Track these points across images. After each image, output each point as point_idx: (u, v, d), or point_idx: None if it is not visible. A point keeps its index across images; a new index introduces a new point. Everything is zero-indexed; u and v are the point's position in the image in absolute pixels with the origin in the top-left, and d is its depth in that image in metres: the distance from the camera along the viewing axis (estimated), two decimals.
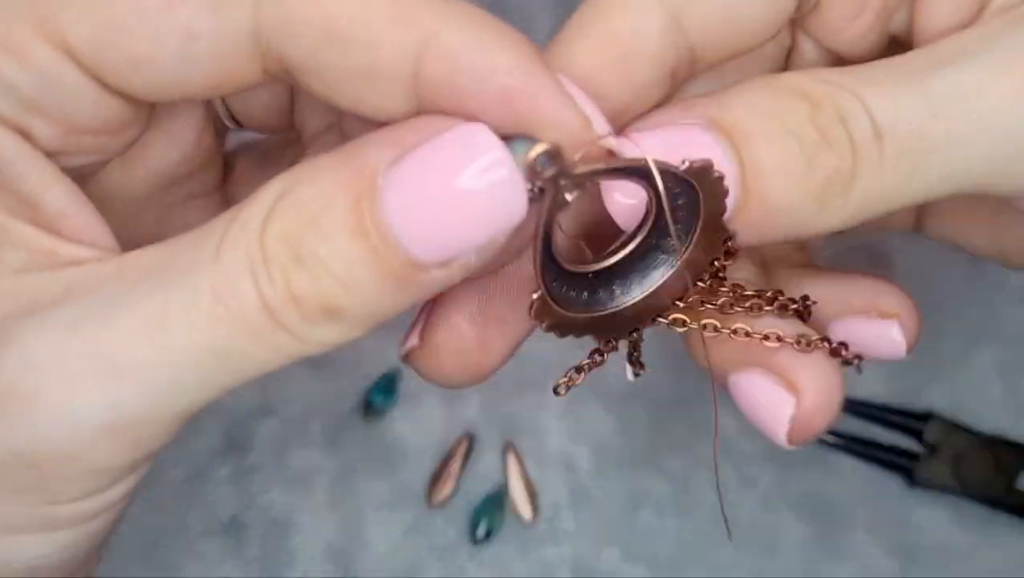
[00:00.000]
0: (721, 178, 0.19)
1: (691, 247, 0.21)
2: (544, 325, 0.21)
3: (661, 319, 0.22)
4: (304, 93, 0.21)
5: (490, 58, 0.18)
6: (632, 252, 0.20)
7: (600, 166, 0.19)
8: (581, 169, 0.18)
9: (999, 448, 0.37)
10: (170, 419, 0.18)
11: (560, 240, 0.20)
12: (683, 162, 0.19)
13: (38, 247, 0.19)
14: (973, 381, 0.38)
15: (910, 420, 0.38)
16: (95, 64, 0.19)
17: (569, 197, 0.18)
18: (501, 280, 0.22)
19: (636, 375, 0.24)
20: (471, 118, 0.18)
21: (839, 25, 0.24)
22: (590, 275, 0.21)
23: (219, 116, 0.25)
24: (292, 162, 0.24)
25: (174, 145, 0.24)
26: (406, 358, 0.23)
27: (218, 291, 0.17)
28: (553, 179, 0.18)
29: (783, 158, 0.19)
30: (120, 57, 0.19)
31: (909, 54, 0.21)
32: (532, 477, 0.37)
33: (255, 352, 0.18)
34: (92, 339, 0.17)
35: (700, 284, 0.22)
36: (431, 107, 0.19)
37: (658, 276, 0.21)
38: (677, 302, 0.22)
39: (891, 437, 0.38)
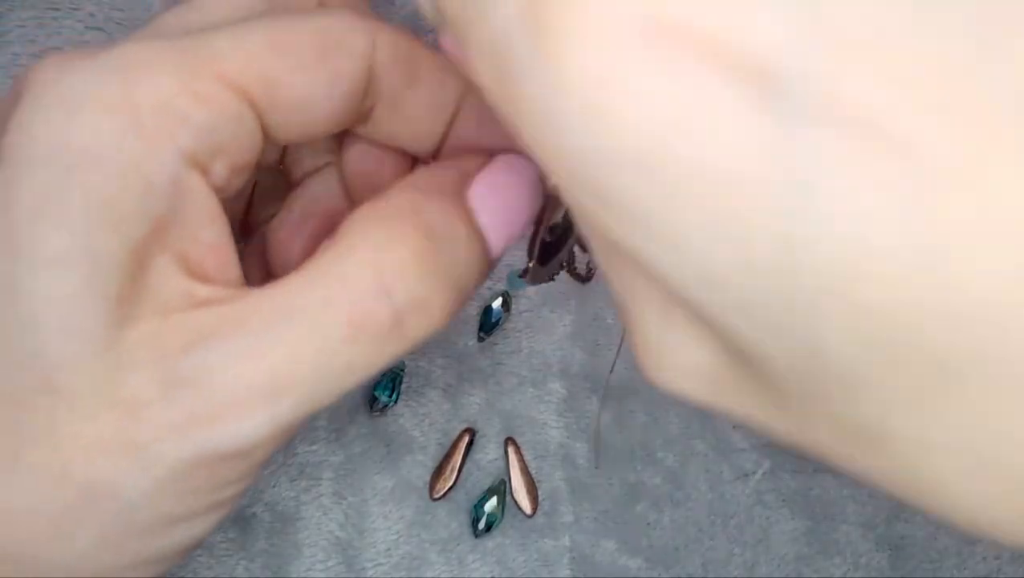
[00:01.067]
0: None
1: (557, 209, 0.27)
2: (529, 279, 0.26)
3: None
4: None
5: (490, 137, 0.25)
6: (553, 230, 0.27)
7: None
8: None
9: None
10: (309, 418, 0.22)
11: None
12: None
13: (178, 290, 0.21)
14: None
15: None
16: (267, 107, 0.22)
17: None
18: None
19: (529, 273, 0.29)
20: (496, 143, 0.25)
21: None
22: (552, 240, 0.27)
23: None
24: (280, 197, 0.28)
25: (242, 179, 0.26)
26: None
27: (354, 318, 0.21)
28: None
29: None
30: (289, 102, 0.22)
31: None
32: (532, 470, 0.38)
33: (379, 358, 0.21)
34: (251, 372, 0.20)
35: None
36: (459, 138, 0.25)
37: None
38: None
39: None
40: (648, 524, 0.38)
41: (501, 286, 0.38)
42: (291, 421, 0.21)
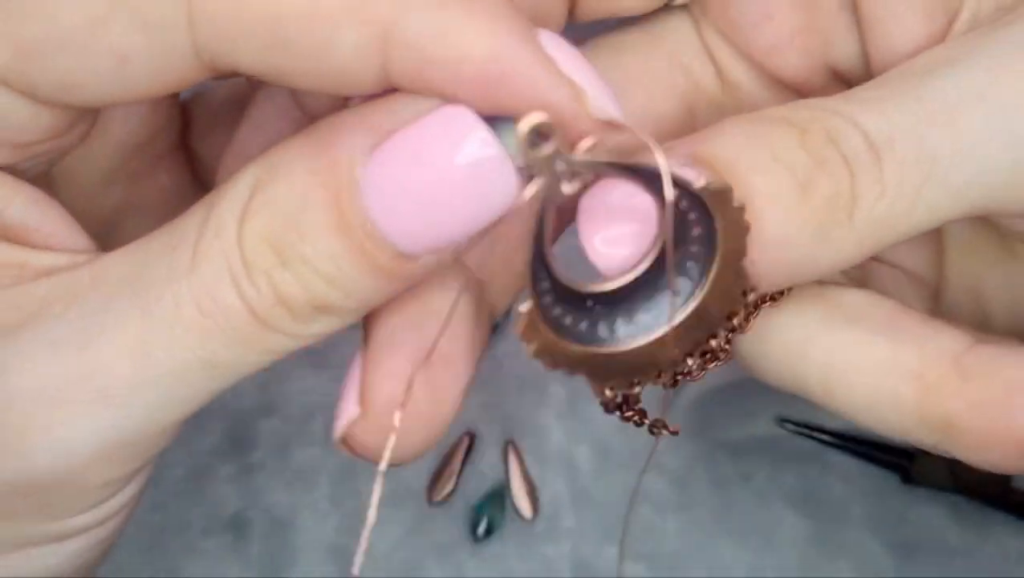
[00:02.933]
0: (742, 209, 0.16)
1: (707, 290, 0.17)
2: (532, 348, 0.18)
3: (662, 379, 0.19)
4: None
5: (460, 45, 0.16)
6: (638, 280, 0.17)
7: (603, 158, 0.16)
8: (582, 157, 0.16)
9: None
10: (163, 431, 0.18)
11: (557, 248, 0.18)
12: (699, 177, 0.16)
13: (5, 261, 0.18)
14: None
15: None
16: (26, 85, 0.18)
17: (568, 188, 0.16)
18: (437, 315, 0.20)
19: (652, 429, 0.21)
20: (450, 98, 0.17)
21: (749, 28, 0.22)
22: (589, 301, 0.18)
23: None
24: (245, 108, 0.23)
25: (131, 113, 0.23)
26: (343, 442, 0.20)
27: (201, 303, 0.17)
28: (548, 161, 0.16)
29: (775, 187, 0.17)
30: (49, 80, 0.18)
31: (885, 74, 0.19)
32: (532, 475, 0.37)
33: (246, 356, 0.18)
34: (74, 364, 0.17)
35: (714, 341, 0.18)
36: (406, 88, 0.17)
37: (665, 319, 0.18)
38: (688, 358, 0.19)
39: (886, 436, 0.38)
40: (651, 529, 0.37)
41: None
42: (129, 433, 0.17)
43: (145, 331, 0.17)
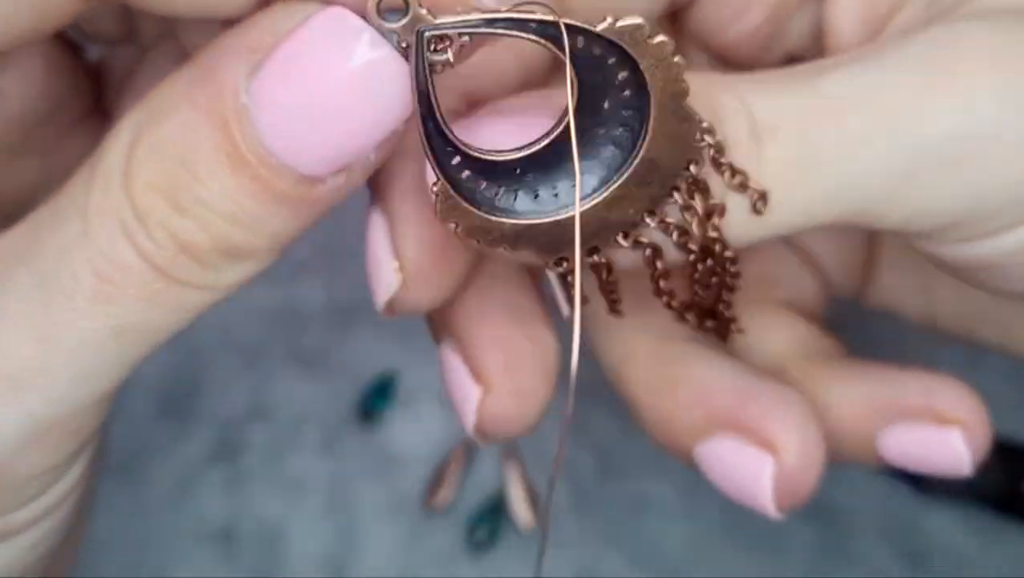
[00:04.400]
0: (665, 45, 0.15)
1: (649, 136, 0.16)
2: (458, 229, 0.17)
3: (623, 241, 0.17)
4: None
5: None
6: (558, 137, 0.16)
7: (472, 16, 0.15)
8: (444, 19, 0.15)
9: (1008, 454, 0.37)
10: (88, 409, 0.17)
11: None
12: (604, 20, 0.15)
13: None
14: (981, 387, 0.38)
15: None
16: None
17: (444, 58, 0.15)
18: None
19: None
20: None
21: (721, 23, 0.22)
22: (515, 168, 0.16)
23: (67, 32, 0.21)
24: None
25: (27, 81, 0.21)
26: (389, 308, 0.19)
27: (98, 268, 0.16)
28: (411, 31, 0.15)
29: None
30: None
31: (800, 65, 0.19)
32: (533, 482, 0.37)
33: (159, 317, 0.16)
34: None
35: (676, 195, 0.17)
36: None
37: (612, 176, 0.17)
38: (648, 217, 0.17)
39: None
40: (656, 537, 0.37)
41: None
42: (52, 416, 0.17)
43: (45, 308, 0.16)
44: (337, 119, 0.15)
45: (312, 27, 0.15)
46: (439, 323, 0.21)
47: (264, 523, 0.36)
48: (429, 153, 0.16)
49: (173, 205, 0.16)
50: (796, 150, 0.17)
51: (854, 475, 0.37)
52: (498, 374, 0.20)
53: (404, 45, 0.15)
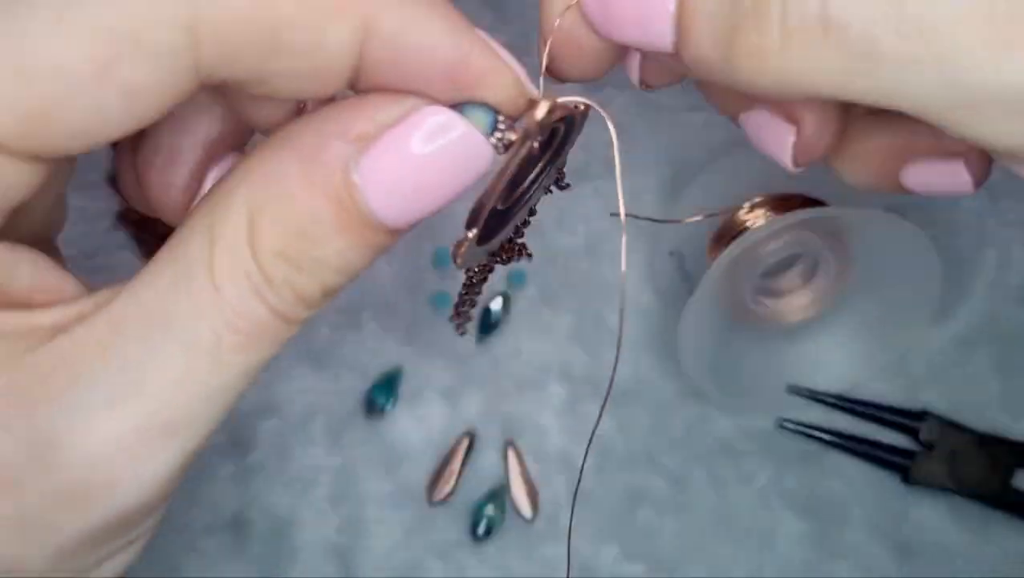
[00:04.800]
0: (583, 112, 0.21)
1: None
2: (460, 262, 0.22)
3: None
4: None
5: (430, 37, 0.19)
6: (533, 181, 0.22)
7: (558, 114, 0.20)
8: (543, 119, 0.20)
9: (995, 446, 0.37)
10: (204, 438, 0.20)
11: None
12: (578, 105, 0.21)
13: (17, 329, 0.18)
14: (970, 380, 0.39)
15: (907, 418, 0.38)
16: (29, 148, 0.18)
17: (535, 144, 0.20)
18: None
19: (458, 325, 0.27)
20: (415, 91, 0.19)
21: None
22: (503, 211, 0.22)
23: None
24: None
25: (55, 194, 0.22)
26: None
27: (236, 325, 0.19)
28: (526, 131, 0.20)
29: (712, 10, 0.19)
30: (56, 135, 0.17)
31: None
32: (532, 475, 0.37)
33: (272, 351, 0.19)
34: (134, 412, 0.18)
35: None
36: (371, 84, 0.19)
37: (537, 196, 0.23)
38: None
39: (888, 435, 0.38)
40: (650, 529, 0.37)
41: (500, 286, 0.38)
42: (196, 450, 0.19)
43: (191, 364, 0.18)
44: (430, 190, 0.19)
45: (413, 120, 0.19)
46: (735, 103, 0.23)
47: (273, 514, 0.37)
48: (482, 218, 0.21)
49: (295, 266, 0.19)
50: (861, 53, 0.18)
51: (844, 467, 0.38)
52: (799, 108, 0.22)
53: (506, 141, 0.20)
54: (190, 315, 0.18)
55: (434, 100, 0.19)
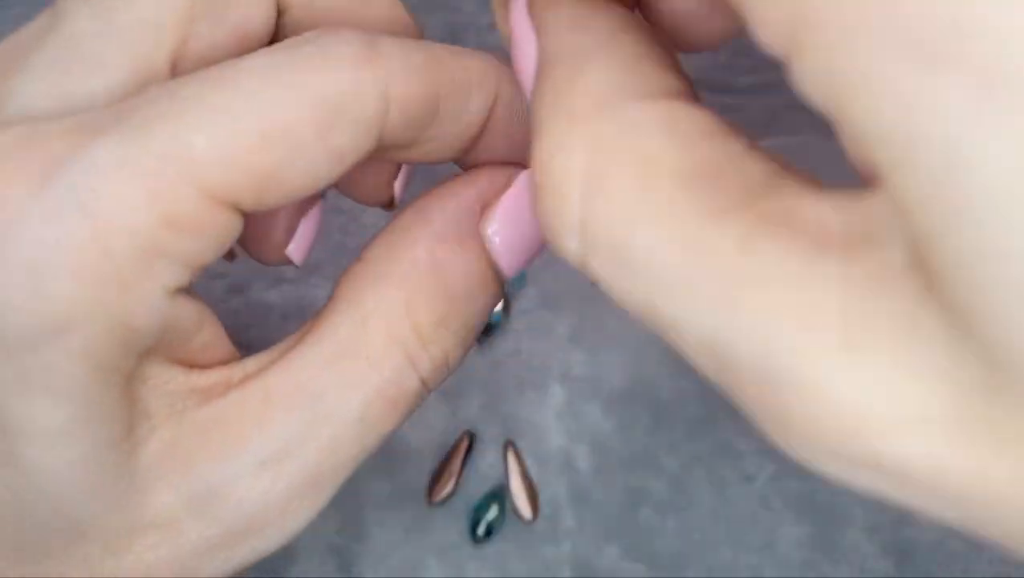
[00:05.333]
0: None
1: None
2: None
3: None
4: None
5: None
6: None
7: None
8: None
9: None
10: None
11: None
12: None
13: (178, 389, 0.20)
14: None
15: None
16: (254, 205, 0.19)
17: None
18: None
19: None
20: (511, 159, 0.22)
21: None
22: None
23: None
24: None
25: None
26: None
27: (385, 393, 0.20)
28: None
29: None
30: (276, 193, 0.19)
31: None
32: (532, 476, 0.37)
33: (407, 417, 0.21)
34: (287, 473, 0.20)
35: None
36: (484, 148, 0.22)
37: None
38: None
39: None
40: (651, 530, 0.37)
41: None
42: (330, 500, 0.21)
43: (339, 432, 0.20)
44: (530, 244, 0.22)
45: (521, 182, 0.22)
46: None
47: None
48: None
49: (452, 332, 0.21)
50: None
51: None
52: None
53: None
54: (341, 388, 0.20)
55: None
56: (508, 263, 0.21)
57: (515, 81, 0.22)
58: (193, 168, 0.17)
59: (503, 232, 0.21)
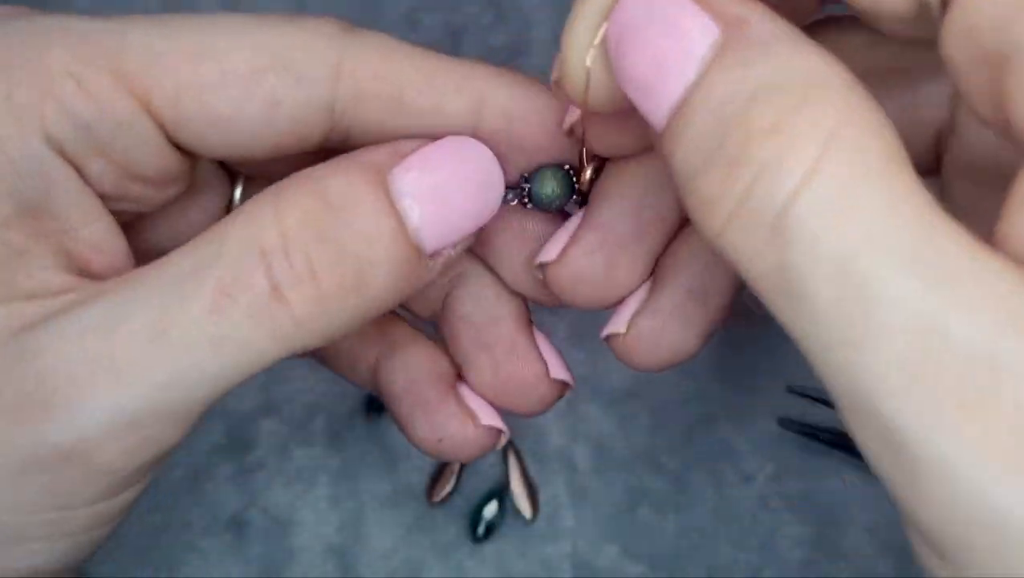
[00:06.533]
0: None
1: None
2: None
3: None
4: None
5: (535, 106, 0.22)
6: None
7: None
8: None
9: None
10: (175, 417, 0.19)
11: None
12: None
13: (54, 283, 0.19)
14: None
15: None
16: (173, 119, 0.20)
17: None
18: (632, 220, 0.22)
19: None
20: (528, 160, 0.22)
21: None
22: None
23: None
24: None
25: (215, 201, 0.25)
26: (540, 267, 0.23)
27: (224, 284, 0.18)
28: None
29: (701, 129, 0.16)
30: (201, 117, 0.20)
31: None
32: (532, 475, 0.37)
33: (255, 339, 0.18)
34: (96, 345, 0.18)
35: None
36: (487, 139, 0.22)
37: None
38: None
39: None
40: (651, 529, 0.37)
41: None
42: (139, 410, 0.18)
43: (163, 314, 0.18)
44: (451, 208, 0.20)
45: (449, 143, 0.21)
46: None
47: (273, 514, 0.37)
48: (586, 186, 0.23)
49: (318, 236, 0.19)
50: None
51: (845, 468, 0.38)
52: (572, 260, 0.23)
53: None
54: (184, 275, 0.19)
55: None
56: (423, 222, 0.20)
57: (514, 86, 0.21)
58: (116, 49, 0.19)
59: (415, 182, 0.20)
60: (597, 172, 0.23)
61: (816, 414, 0.38)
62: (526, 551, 0.37)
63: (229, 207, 0.25)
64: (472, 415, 0.24)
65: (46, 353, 0.18)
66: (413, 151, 0.20)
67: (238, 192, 0.25)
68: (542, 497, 0.37)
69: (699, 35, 0.16)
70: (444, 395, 0.24)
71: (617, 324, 0.23)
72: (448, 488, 0.37)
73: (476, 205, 0.21)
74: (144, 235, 0.23)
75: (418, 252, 0.20)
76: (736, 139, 0.15)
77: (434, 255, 0.20)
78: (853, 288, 0.14)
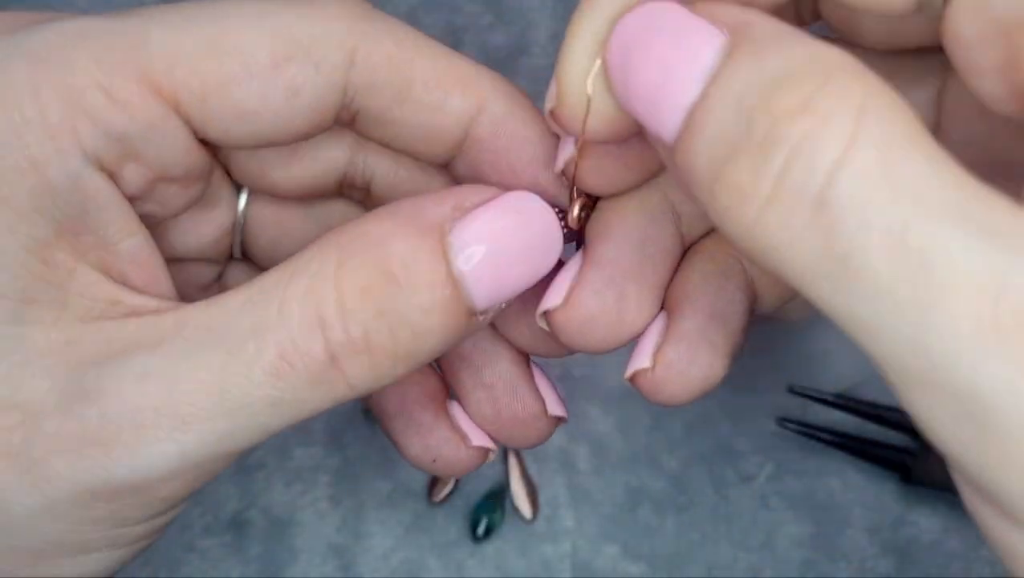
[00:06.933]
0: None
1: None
2: None
3: None
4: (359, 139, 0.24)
5: (526, 128, 0.22)
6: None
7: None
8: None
9: None
10: (230, 457, 0.20)
11: None
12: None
13: (103, 296, 0.20)
14: None
15: (907, 418, 0.38)
16: (200, 117, 0.20)
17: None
18: (637, 254, 0.22)
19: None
20: (508, 180, 0.22)
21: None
22: None
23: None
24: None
25: (226, 214, 0.25)
26: (543, 316, 0.23)
27: (284, 349, 0.19)
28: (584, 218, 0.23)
29: (723, 120, 0.16)
30: (227, 112, 0.20)
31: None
32: (532, 475, 0.37)
33: (311, 399, 0.19)
34: (159, 393, 0.19)
35: None
36: (471, 158, 0.22)
37: None
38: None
39: (888, 435, 0.38)
40: (650, 529, 0.37)
41: None
42: (201, 456, 0.19)
43: (224, 373, 0.19)
44: (509, 269, 0.20)
45: (508, 199, 0.20)
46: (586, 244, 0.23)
47: (273, 514, 0.37)
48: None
49: (377, 311, 0.19)
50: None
51: (844, 467, 0.38)
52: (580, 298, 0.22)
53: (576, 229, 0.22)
54: (243, 331, 0.19)
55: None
56: (473, 276, 0.19)
57: (512, 101, 0.22)
58: (139, 51, 0.19)
59: (472, 244, 0.19)
60: (586, 209, 0.22)
61: (816, 414, 0.38)
62: (526, 551, 0.37)
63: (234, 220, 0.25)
64: (464, 437, 0.25)
65: (108, 395, 0.19)
66: (476, 206, 0.20)
67: (242, 201, 0.25)
68: (542, 497, 0.37)
69: (707, 42, 0.16)
70: (436, 417, 0.25)
71: (641, 360, 0.22)
72: (448, 488, 0.37)
73: (533, 268, 0.21)
74: (160, 246, 0.24)
75: (470, 313, 0.20)
76: (763, 124, 0.14)
77: (484, 311, 0.20)
78: (915, 252, 0.14)
